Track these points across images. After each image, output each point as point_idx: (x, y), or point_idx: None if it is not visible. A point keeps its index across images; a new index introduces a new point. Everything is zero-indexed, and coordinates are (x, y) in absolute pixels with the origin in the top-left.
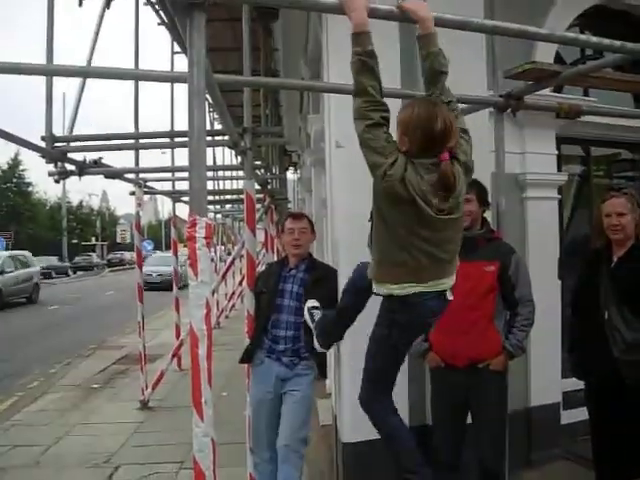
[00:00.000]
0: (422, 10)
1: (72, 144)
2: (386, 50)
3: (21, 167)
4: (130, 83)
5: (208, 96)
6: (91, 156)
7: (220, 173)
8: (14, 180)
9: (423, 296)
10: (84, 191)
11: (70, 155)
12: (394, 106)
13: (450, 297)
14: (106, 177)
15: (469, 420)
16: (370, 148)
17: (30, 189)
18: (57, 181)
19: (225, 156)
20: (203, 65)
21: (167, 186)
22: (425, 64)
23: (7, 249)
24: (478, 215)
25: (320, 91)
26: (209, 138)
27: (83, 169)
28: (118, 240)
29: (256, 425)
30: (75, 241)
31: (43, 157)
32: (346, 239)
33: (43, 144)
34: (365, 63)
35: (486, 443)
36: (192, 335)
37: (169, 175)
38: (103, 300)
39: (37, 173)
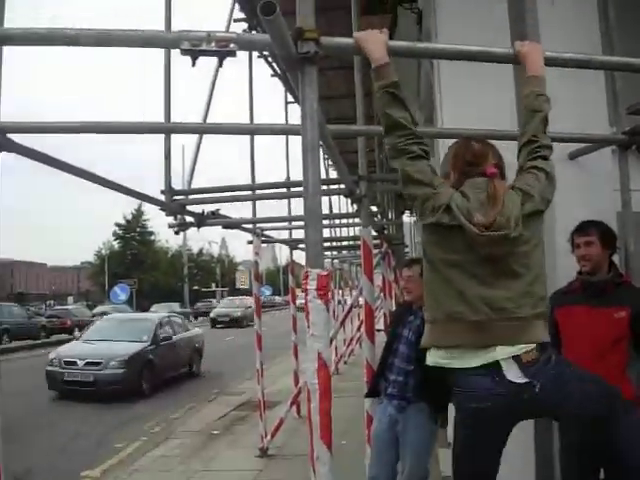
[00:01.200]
0: (535, 53)
1: (190, 197)
2: (500, 93)
3: (144, 217)
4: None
5: (322, 145)
6: (209, 208)
7: (336, 220)
8: (137, 229)
9: (466, 371)
10: (204, 239)
11: (189, 207)
12: (513, 148)
13: (513, 378)
14: (224, 228)
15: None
16: (416, 181)
17: (152, 238)
18: (177, 233)
19: (341, 203)
20: (316, 119)
21: (284, 234)
22: (525, 102)
23: (131, 296)
24: (603, 258)
25: (434, 137)
26: (324, 187)
27: (202, 221)
28: (237, 286)
29: (373, 459)
30: (196, 287)
31: (163, 210)
32: None
33: (163, 197)
34: (394, 95)
35: None
36: (307, 390)
37: (286, 224)
38: (224, 345)
39: (159, 222)
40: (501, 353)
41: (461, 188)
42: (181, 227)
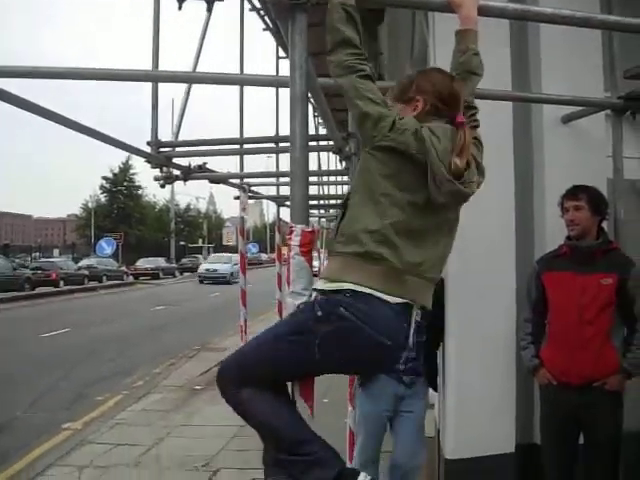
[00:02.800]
0: (469, 1)
1: (177, 149)
2: (496, 50)
3: (131, 171)
4: (235, 89)
5: (312, 100)
6: (196, 161)
7: (325, 178)
8: (125, 184)
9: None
10: (192, 194)
11: (175, 160)
12: (505, 109)
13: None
14: (211, 182)
15: (581, 440)
16: (367, 99)
17: (140, 192)
18: (162, 186)
19: (330, 160)
20: (305, 68)
21: (272, 190)
22: (460, 60)
23: (117, 250)
24: (591, 224)
25: None
26: (313, 143)
27: (188, 174)
28: (224, 242)
29: (366, 441)
30: (182, 243)
31: (149, 162)
32: (455, 248)
33: (149, 149)
34: (350, 14)
35: (598, 466)
36: None
37: (273, 180)
38: (208, 302)
39: (146, 176)
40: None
41: (427, 124)
42: (167, 180)
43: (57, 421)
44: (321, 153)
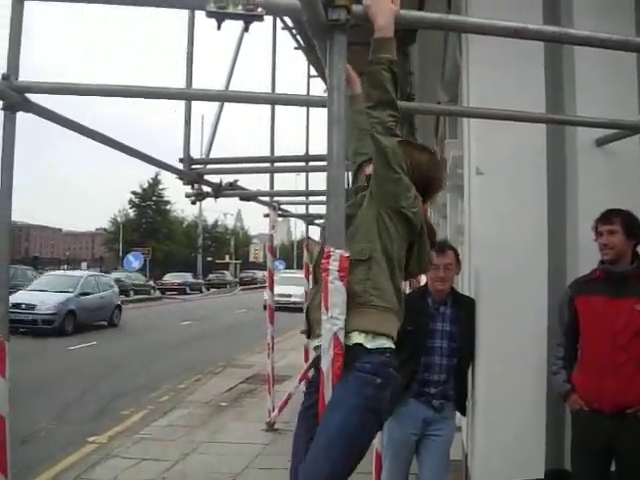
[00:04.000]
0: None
1: (209, 166)
2: (530, 72)
3: (160, 186)
4: (267, 108)
5: None
6: (227, 179)
7: None
8: (153, 198)
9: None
10: (220, 210)
11: (206, 177)
12: (539, 131)
13: None
14: (241, 199)
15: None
16: (401, 167)
17: (168, 207)
18: (194, 202)
19: None
20: (344, 89)
21: (300, 209)
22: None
23: (145, 264)
24: (626, 248)
25: (460, 115)
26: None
27: (219, 191)
28: (251, 259)
29: (393, 466)
30: (209, 259)
31: (181, 179)
32: (488, 269)
33: (181, 166)
34: (395, 74)
35: None
36: (320, 372)
37: (303, 198)
38: (234, 318)
39: (175, 192)
40: None
41: None
42: (198, 197)
43: (82, 434)
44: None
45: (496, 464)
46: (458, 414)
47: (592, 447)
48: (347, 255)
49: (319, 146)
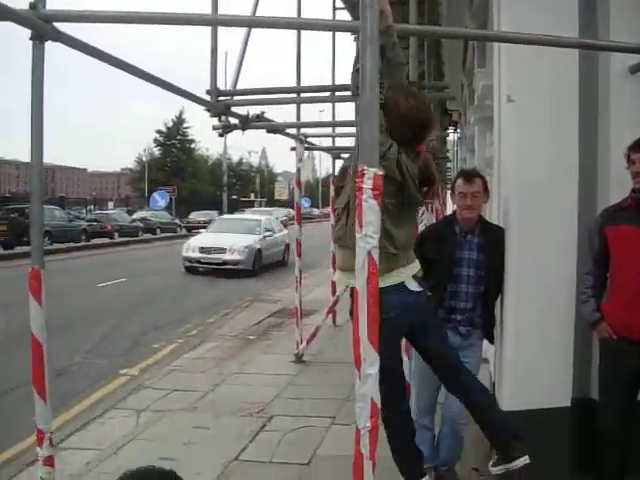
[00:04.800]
0: None
1: (235, 98)
2: None
3: (185, 125)
4: (292, 41)
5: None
6: (254, 110)
7: None
8: (178, 137)
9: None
10: (244, 148)
11: (233, 109)
12: (572, 56)
13: (414, 288)
14: (268, 132)
15: None
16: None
17: (193, 146)
18: (221, 135)
19: None
20: (377, 8)
21: (326, 142)
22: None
23: (170, 203)
24: None
25: (492, 40)
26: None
27: (246, 123)
28: (276, 197)
29: (421, 392)
30: (234, 197)
31: (208, 111)
32: (517, 199)
33: (208, 98)
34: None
35: None
36: (355, 291)
37: (329, 131)
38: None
39: (200, 130)
40: (406, 274)
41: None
42: (225, 129)
43: (114, 367)
44: None
45: (524, 392)
46: (485, 345)
47: (620, 375)
48: (381, 174)
49: (346, 76)
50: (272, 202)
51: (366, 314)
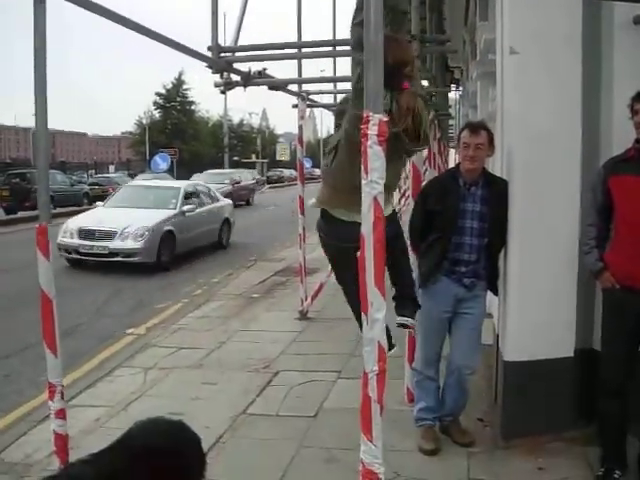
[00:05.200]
0: None
1: (237, 54)
2: None
3: (184, 86)
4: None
5: None
6: (255, 67)
7: None
8: (178, 99)
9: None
10: (244, 110)
11: (235, 66)
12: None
13: None
14: (269, 89)
15: None
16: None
17: (193, 107)
18: (223, 92)
19: None
20: None
21: (327, 99)
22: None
23: (171, 165)
24: None
25: None
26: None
27: (248, 80)
28: (277, 158)
29: (425, 342)
30: (236, 158)
31: (209, 67)
32: (520, 150)
33: (209, 54)
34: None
35: None
36: (362, 236)
37: (331, 88)
38: (264, 215)
39: (200, 92)
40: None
41: None
42: (227, 86)
43: (120, 327)
44: None
45: (528, 343)
46: (488, 298)
47: (623, 325)
48: (386, 120)
49: (346, 31)
50: (274, 163)
51: (373, 259)
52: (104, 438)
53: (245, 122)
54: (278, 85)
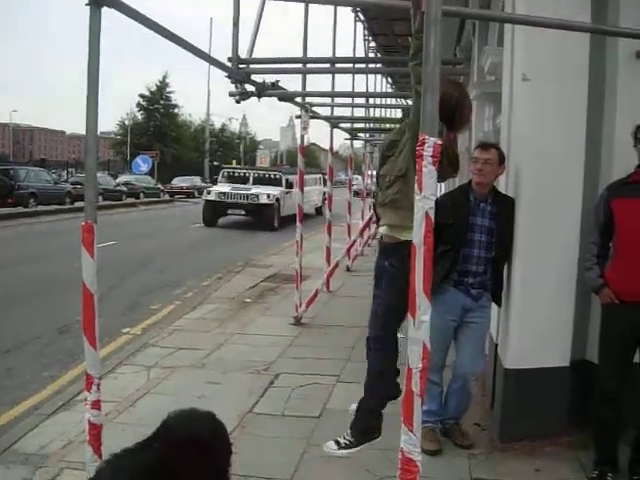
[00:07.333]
0: None
1: (252, 66)
2: None
3: (168, 89)
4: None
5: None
6: (269, 79)
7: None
8: (161, 102)
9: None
10: (225, 115)
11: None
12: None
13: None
14: (279, 100)
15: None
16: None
17: (176, 111)
18: (238, 102)
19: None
20: None
21: (323, 111)
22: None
23: (152, 168)
24: None
25: (504, 21)
26: (362, 66)
27: (262, 90)
28: (258, 164)
29: (432, 350)
30: (216, 163)
31: (228, 77)
32: (528, 172)
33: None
34: None
35: None
36: (413, 246)
37: (328, 101)
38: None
39: (183, 95)
40: None
41: None
42: (242, 96)
43: (116, 326)
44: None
45: (528, 352)
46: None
47: (620, 338)
48: (440, 143)
49: (346, 50)
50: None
51: (422, 267)
52: (116, 433)
53: (225, 127)
54: (288, 97)
